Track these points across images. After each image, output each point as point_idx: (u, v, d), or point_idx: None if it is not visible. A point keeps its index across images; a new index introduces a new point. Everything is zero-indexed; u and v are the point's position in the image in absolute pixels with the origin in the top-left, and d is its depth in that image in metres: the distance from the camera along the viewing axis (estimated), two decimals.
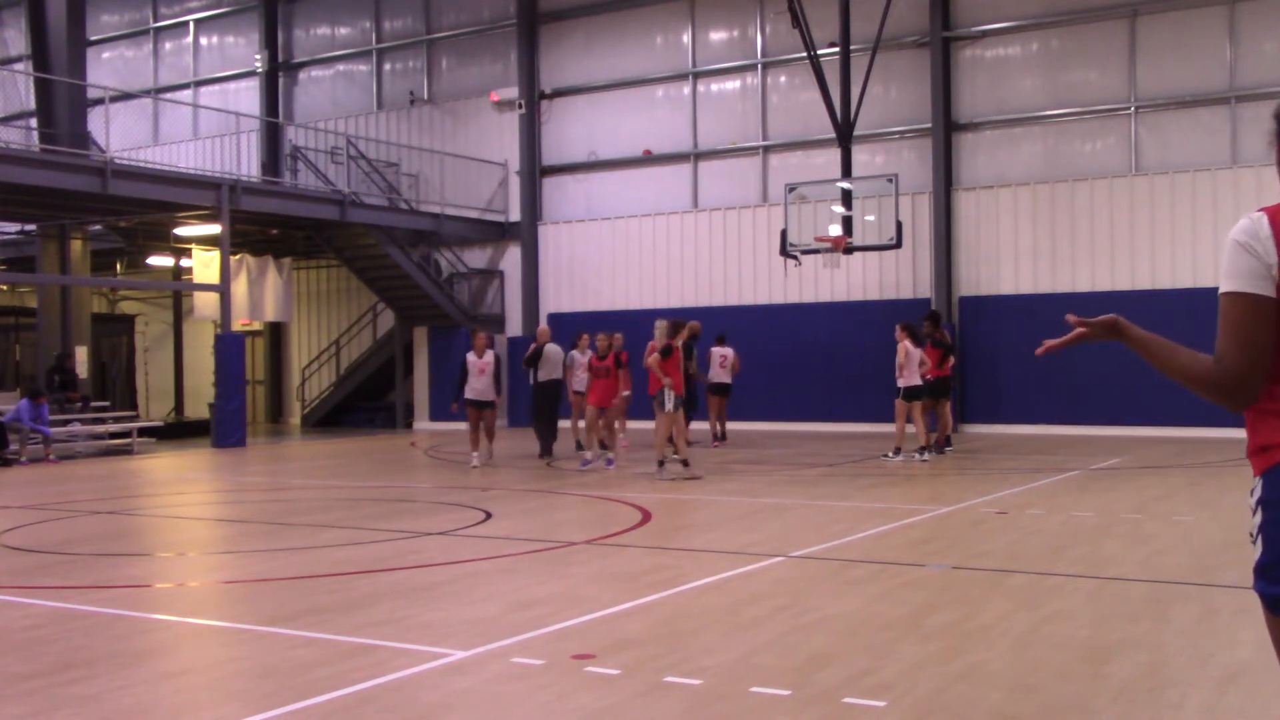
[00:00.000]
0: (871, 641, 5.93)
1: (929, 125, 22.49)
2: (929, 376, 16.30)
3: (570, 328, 21.62)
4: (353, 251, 25.76)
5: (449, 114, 27.72)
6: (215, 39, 31.62)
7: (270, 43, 29.97)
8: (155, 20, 32.42)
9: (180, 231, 24.81)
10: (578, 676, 5.36)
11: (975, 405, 21.89)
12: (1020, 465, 15.52)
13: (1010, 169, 22.13)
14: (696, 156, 25.16)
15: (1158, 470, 14.61)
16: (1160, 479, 13.60)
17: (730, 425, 20.28)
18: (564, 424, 18.51)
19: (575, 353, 17.97)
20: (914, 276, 22.68)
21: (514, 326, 26.48)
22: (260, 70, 30.05)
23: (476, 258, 27.36)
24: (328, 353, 29.89)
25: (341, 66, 29.54)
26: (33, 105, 23.89)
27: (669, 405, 14.00)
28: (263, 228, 25.43)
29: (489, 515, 11.19)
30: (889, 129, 23.16)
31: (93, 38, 31.23)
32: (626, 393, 18.68)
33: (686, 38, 25.22)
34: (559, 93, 26.54)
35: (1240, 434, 2.94)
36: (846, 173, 20.15)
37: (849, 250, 19.61)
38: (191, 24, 31.83)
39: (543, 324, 24.73)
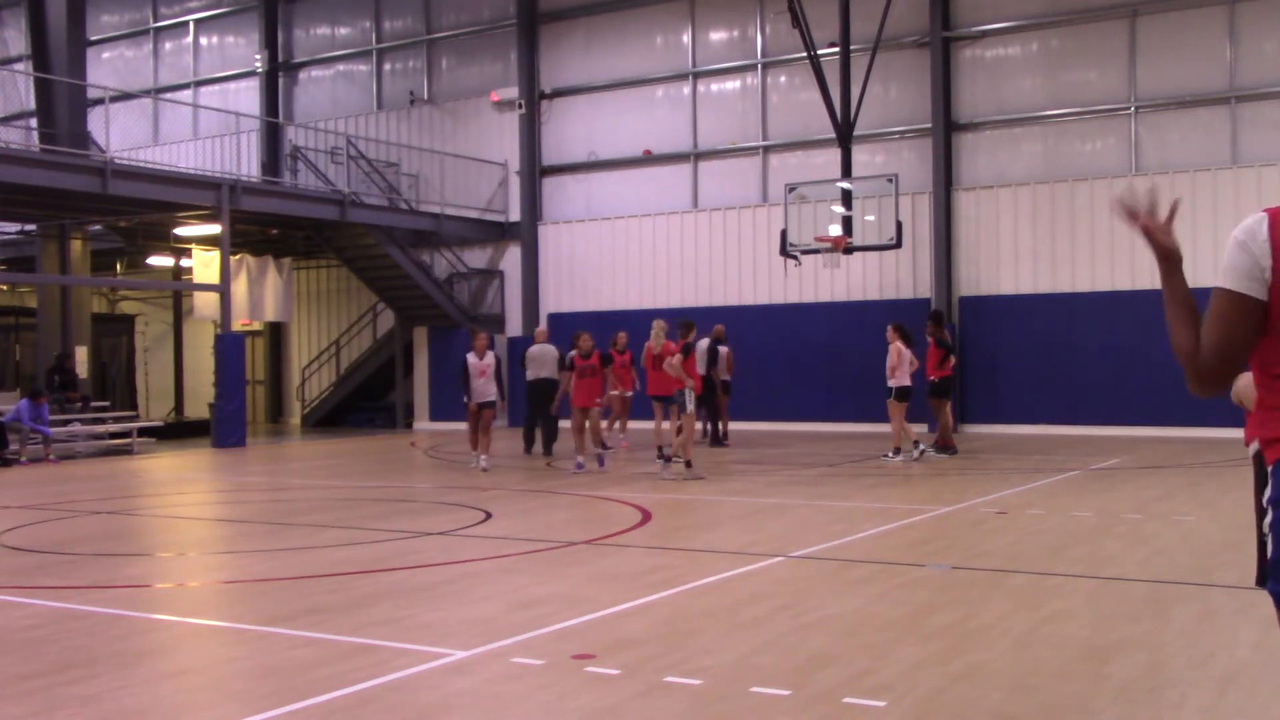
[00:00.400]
0: (871, 641, 5.93)
1: (929, 125, 22.49)
2: (932, 377, 16.31)
3: (570, 328, 21.60)
4: (353, 251, 25.76)
5: (449, 114, 27.72)
6: (215, 39, 31.62)
7: (270, 43, 29.97)
8: (155, 20, 32.42)
9: (180, 231, 24.81)
10: (578, 676, 5.36)
11: (975, 405, 21.89)
12: (1020, 465, 15.51)
13: (1010, 169, 22.13)
14: (696, 156, 25.16)
15: (1158, 470, 14.61)
16: (1160, 479, 13.60)
17: (730, 425, 20.26)
18: (564, 424, 18.51)
19: (575, 353, 17.96)
20: (914, 276, 22.68)
21: (514, 327, 26.47)
22: (260, 70, 30.05)
23: (476, 258, 27.37)
24: (328, 353, 29.89)
25: (341, 66, 29.54)
26: (33, 105, 23.90)
27: (690, 406, 14.00)
28: (263, 228, 25.43)
29: (489, 515, 11.19)
30: (889, 129, 23.16)
31: (93, 38, 31.23)
32: (629, 392, 18.73)
33: (686, 38, 25.22)
34: (559, 93, 26.54)
35: (1240, 434, 2.94)
36: (846, 173, 20.15)
37: (849, 250, 19.61)
38: (191, 24, 31.83)
39: (542, 324, 24.75)
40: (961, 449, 17.27)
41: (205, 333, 27.92)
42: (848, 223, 19.61)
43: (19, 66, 29.87)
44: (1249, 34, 20.27)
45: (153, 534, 11.42)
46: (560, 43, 26.50)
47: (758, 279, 24.15)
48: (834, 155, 21.30)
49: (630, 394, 18.70)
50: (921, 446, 16.09)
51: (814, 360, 23.16)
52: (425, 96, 28.10)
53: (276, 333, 30.56)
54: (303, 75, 30.11)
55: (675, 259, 25.04)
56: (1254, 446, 4.15)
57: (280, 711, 4.90)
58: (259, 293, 25.41)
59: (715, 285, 24.59)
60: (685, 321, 16.12)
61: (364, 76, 29.18)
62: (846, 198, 19.76)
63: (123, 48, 33.15)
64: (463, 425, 19.12)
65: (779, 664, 5.53)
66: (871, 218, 19.76)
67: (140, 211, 22.88)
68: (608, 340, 18.37)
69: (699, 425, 19.67)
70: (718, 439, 19.33)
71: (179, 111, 31.17)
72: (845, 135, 20.17)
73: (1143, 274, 20.73)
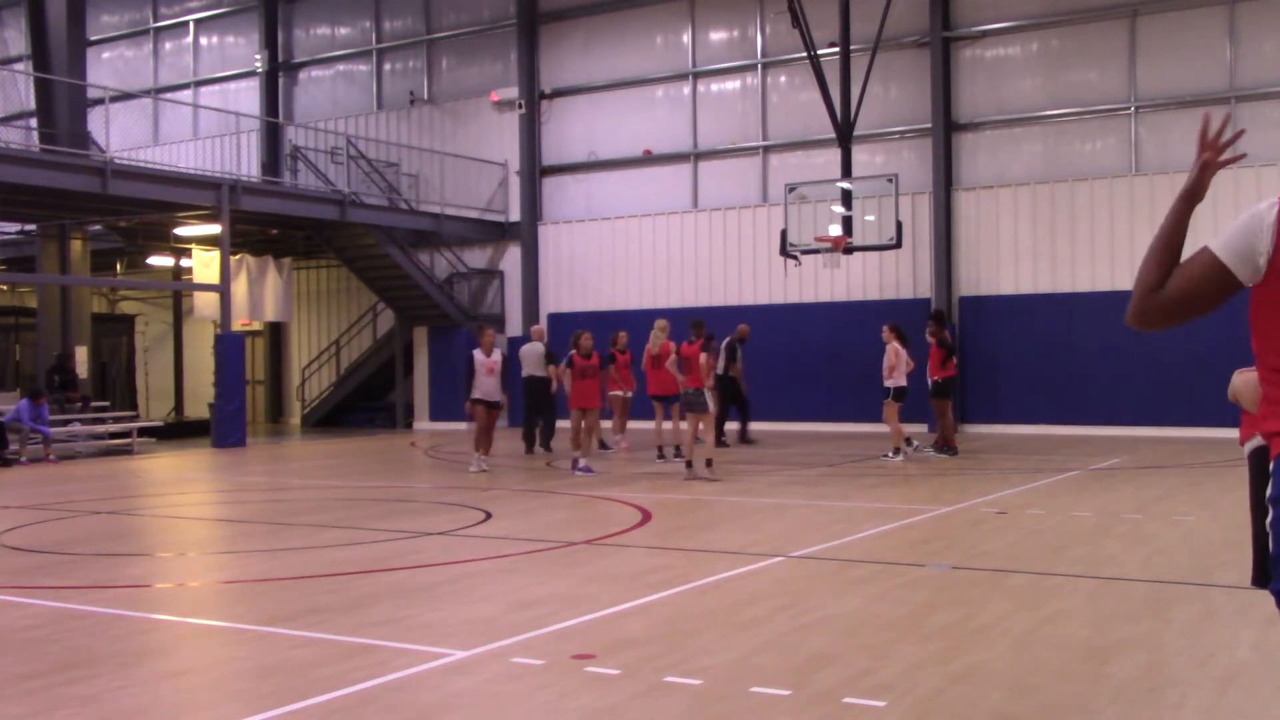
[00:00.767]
0: (871, 641, 5.93)
1: (929, 125, 22.49)
2: (935, 378, 16.30)
3: (570, 327, 21.58)
4: (353, 251, 25.76)
5: (449, 114, 27.72)
6: (215, 39, 31.62)
7: (270, 43, 29.97)
8: (155, 20, 32.42)
9: (180, 231, 24.81)
10: (578, 676, 5.36)
11: (975, 405, 21.89)
12: (1020, 465, 15.51)
13: (1010, 169, 22.13)
14: (696, 156, 25.16)
15: (1158, 470, 14.61)
16: (1160, 479, 13.60)
17: (730, 425, 20.25)
18: (563, 424, 18.51)
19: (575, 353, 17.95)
20: (914, 276, 22.68)
21: (514, 327, 26.46)
22: (260, 70, 30.05)
23: (476, 258, 27.36)
24: (328, 353, 29.88)
25: (341, 66, 29.54)
26: (33, 105, 23.89)
27: (712, 406, 13.97)
28: (263, 228, 25.42)
29: (489, 515, 11.19)
30: (889, 129, 23.16)
31: (93, 38, 31.22)
32: (629, 393, 18.71)
33: (686, 38, 25.22)
34: (559, 93, 26.54)
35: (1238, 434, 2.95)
36: (846, 173, 20.15)
37: (849, 250, 19.62)
38: (191, 24, 31.83)
39: (541, 324, 24.74)
40: (962, 449, 17.26)
41: (205, 333, 27.91)
42: (848, 223, 19.62)
43: (19, 66, 29.87)
44: (1249, 34, 20.27)
45: (153, 534, 11.42)
46: (560, 43, 26.50)
47: (758, 279, 24.15)
48: (834, 155, 21.30)
49: (630, 394, 18.69)
50: (915, 443, 16.12)
51: (814, 360, 23.16)
52: (425, 96, 28.10)
53: (276, 333, 30.55)
54: (303, 75, 30.11)
55: (675, 259, 25.04)
56: (1249, 445, 4.17)
57: (280, 711, 4.90)
58: (259, 293, 25.41)
59: (715, 285, 24.59)
60: (696, 321, 15.87)
61: (364, 76, 29.18)
62: (846, 198, 19.76)
63: (123, 48, 33.15)
64: (463, 425, 19.10)
65: (779, 664, 5.53)
66: (871, 218, 19.76)
67: (140, 211, 22.88)
68: (607, 340, 18.36)
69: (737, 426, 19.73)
70: (745, 438, 19.50)
71: (179, 111, 31.17)
72: (845, 135, 20.17)
73: None
